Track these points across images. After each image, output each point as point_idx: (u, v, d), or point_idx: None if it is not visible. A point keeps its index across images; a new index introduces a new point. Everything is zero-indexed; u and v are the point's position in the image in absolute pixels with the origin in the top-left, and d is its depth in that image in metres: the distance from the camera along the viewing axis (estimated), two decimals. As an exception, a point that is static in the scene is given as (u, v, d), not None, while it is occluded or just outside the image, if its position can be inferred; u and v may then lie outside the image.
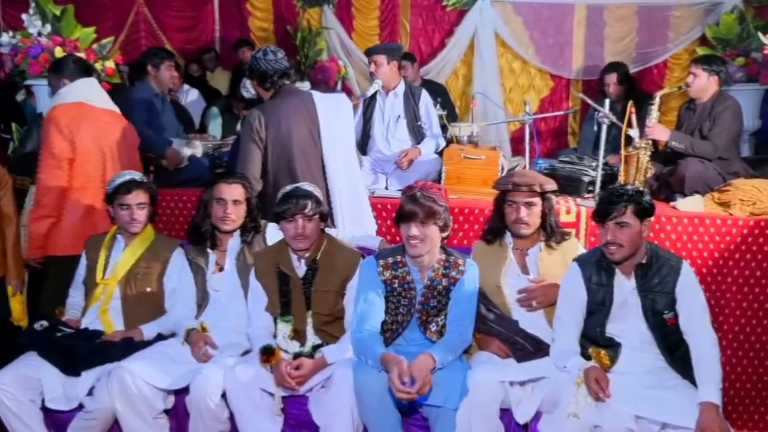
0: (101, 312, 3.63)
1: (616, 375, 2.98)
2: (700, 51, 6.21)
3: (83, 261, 3.78)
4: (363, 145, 5.30)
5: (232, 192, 3.59)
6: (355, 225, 3.98)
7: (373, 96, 5.23)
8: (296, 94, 4.04)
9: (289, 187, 3.47)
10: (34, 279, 4.16)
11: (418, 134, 5.19)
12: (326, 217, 3.47)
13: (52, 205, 3.93)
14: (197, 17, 8.80)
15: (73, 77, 4.17)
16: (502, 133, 7.33)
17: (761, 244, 3.93)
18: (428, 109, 5.24)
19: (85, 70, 4.29)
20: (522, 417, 3.05)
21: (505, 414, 3.07)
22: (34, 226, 3.96)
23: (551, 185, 3.40)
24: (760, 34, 5.19)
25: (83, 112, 4.06)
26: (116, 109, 4.30)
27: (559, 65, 7.49)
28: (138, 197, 3.67)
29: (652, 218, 3.16)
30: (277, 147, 3.90)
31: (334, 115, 4.02)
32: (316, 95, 4.07)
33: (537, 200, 3.37)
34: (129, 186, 3.66)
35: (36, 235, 3.95)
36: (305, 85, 7.39)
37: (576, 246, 3.51)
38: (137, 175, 3.77)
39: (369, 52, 5.31)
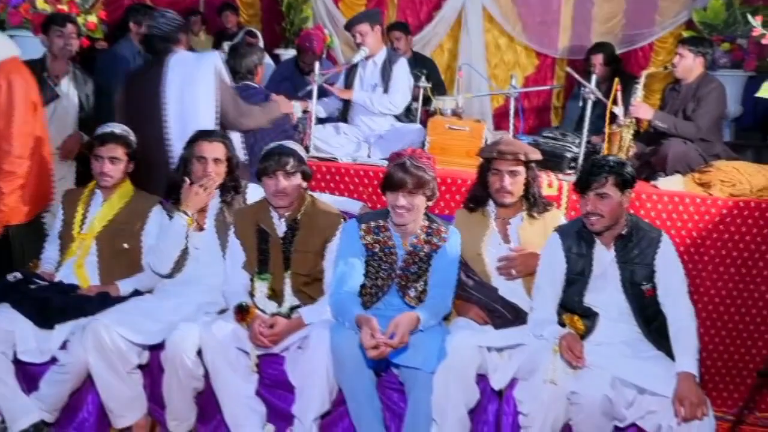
0: (77, 266, 3.57)
1: (592, 345, 2.99)
2: (686, 35, 6.22)
3: (59, 215, 3.71)
4: (344, 112, 5.27)
5: (214, 150, 3.53)
6: None
7: (355, 64, 5.18)
8: (165, 56, 3.96)
9: (272, 144, 3.43)
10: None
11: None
12: (309, 176, 3.44)
13: (25, 173, 3.69)
14: (182, -21, 8.66)
15: None
16: (486, 108, 7.32)
17: (739, 225, 3.96)
18: (399, 74, 5.10)
19: None
20: (497, 383, 3.06)
21: (482, 380, 3.08)
22: (10, 200, 3.65)
23: (536, 155, 3.38)
24: (749, 16, 5.19)
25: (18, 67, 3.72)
26: None
27: (545, 44, 7.46)
28: (111, 151, 3.57)
29: (633, 190, 3.17)
30: (125, 112, 3.98)
31: (186, 78, 3.91)
32: (176, 56, 3.96)
33: (521, 169, 3.34)
34: (104, 138, 3.58)
35: (10, 208, 3.67)
36: (289, 52, 7.36)
37: (558, 217, 3.50)
38: (118, 128, 3.66)
39: (349, 25, 5.19)
